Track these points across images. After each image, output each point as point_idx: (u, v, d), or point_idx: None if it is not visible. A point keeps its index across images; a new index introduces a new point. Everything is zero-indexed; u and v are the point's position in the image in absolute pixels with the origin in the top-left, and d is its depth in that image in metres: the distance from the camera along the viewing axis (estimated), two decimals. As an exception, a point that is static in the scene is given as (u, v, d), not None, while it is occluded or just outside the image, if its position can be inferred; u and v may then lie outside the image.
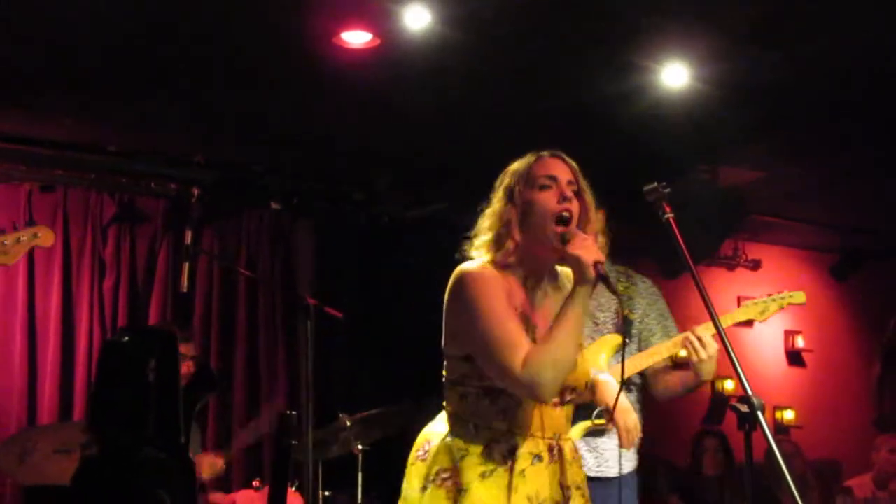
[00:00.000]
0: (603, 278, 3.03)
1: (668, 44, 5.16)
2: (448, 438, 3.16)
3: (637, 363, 4.54)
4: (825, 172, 7.20)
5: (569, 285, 3.18)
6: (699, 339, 4.42)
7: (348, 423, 5.51)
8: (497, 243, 3.20)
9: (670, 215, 3.42)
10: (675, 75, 5.39)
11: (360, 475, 5.62)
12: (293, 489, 5.47)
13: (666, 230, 3.43)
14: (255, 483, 5.82)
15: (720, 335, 3.30)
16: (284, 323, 7.09)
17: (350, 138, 6.52)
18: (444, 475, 3.12)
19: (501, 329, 3.05)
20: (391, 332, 6.94)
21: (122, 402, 3.17)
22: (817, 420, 9.04)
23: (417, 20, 4.77)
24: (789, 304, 4.92)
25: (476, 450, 3.11)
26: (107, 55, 5.32)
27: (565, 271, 3.32)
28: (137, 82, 5.66)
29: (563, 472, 3.20)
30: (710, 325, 4.58)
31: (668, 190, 3.44)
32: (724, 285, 8.91)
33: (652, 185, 3.46)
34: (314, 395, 4.78)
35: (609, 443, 4.48)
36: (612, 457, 4.49)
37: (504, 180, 3.26)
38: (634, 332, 4.67)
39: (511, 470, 3.10)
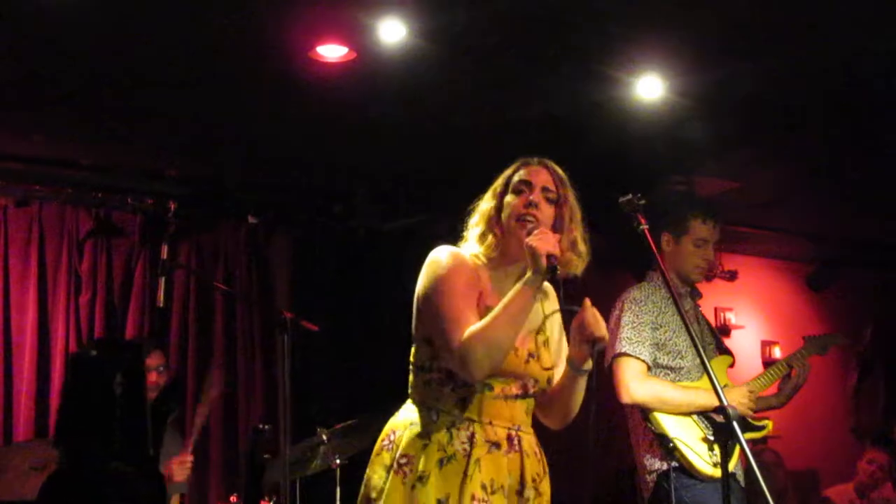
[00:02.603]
0: (552, 270, 3.11)
1: (642, 56, 5.18)
2: (412, 427, 3.23)
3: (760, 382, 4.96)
4: (800, 182, 7.23)
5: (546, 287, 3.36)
6: (804, 369, 4.71)
7: (326, 437, 5.49)
8: (481, 238, 3.35)
9: (645, 226, 3.45)
10: (649, 87, 5.41)
11: (338, 489, 5.61)
12: (271, 504, 5.45)
13: (641, 241, 3.45)
14: (233, 499, 5.80)
15: (694, 345, 3.32)
16: (262, 337, 7.07)
17: (327, 151, 6.51)
18: (403, 461, 3.19)
19: (450, 305, 3.17)
20: (369, 344, 6.93)
21: (88, 416, 3.17)
22: (795, 430, 9.03)
23: (393, 34, 4.78)
24: (840, 344, 5.40)
25: (437, 437, 3.18)
26: (80, 70, 5.31)
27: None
28: (112, 97, 5.64)
29: (521, 463, 3.25)
30: (806, 351, 4.87)
31: (642, 201, 3.47)
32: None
33: (627, 196, 3.49)
34: (292, 410, 4.77)
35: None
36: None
37: (495, 182, 3.41)
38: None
39: (468, 457, 3.16)
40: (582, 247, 3.32)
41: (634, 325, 4.70)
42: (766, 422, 4.87)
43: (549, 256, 3.11)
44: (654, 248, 3.45)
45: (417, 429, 3.22)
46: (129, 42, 5.01)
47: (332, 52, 5.08)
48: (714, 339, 4.96)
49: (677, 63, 5.24)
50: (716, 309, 8.97)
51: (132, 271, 6.84)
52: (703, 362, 3.26)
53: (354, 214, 7.23)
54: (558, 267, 3.13)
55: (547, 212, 3.29)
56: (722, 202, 7.15)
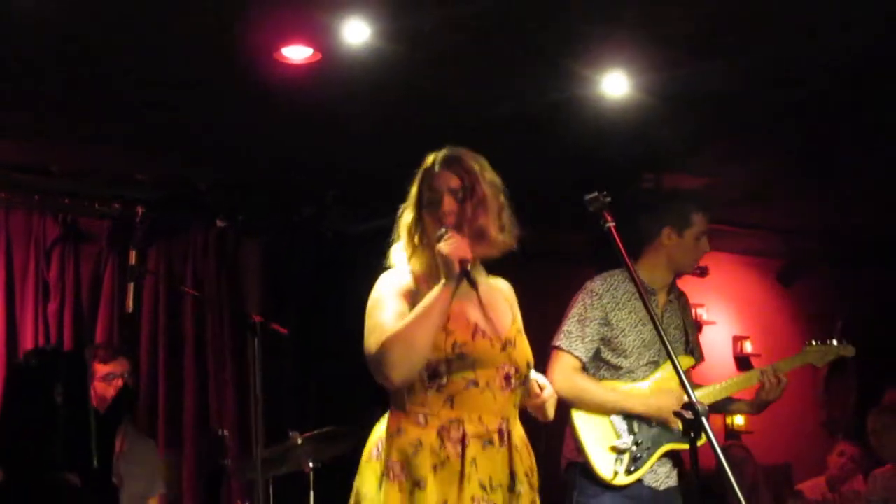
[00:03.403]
0: (466, 274, 3.13)
1: (607, 53, 5.18)
2: (400, 434, 3.21)
3: (709, 396, 4.85)
4: (769, 178, 7.25)
5: (496, 285, 3.46)
6: (777, 379, 4.72)
7: (299, 441, 5.48)
8: (407, 251, 3.37)
9: (611, 224, 3.44)
10: (615, 84, 5.41)
11: (311, 493, 5.59)
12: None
13: (608, 239, 3.45)
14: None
15: (663, 343, 3.31)
16: (232, 341, 7.04)
17: (295, 154, 6.50)
18: (397, 469, 3.16)
19: (375, 319, 3.21)
20: (340, 346, 6.90)
21: (28, 427, 3.14)
22: (767, 425, 9.04)
23: (357, 35, 4.77)
24: (842, 354, 5.31)
25: (428, 440, 3.16)
26: (45, 74, 5.28)
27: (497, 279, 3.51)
28: (77, 101, 5.61)
29: (511, 457, 3.25)
30: (787, 362, 4.88)
31: (609, 199, 3.46)
32: (672, 293, 8.94)
33: (593, 194, 3.49)
34: (264, 413, 4.76)
35: (671, 460, 4.74)
36: (673, 472, 4.79)
37: (411, 188, 3.41)
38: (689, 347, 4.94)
39: (462, 458, 3.15)
40: (492, 233, 3.32)
41: (580, 318, 4.73)
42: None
43: (462, 261, 3.13)
44: (620, 246, 3.44)
45: (407, 436, 3.20)
46: (95, 46, 4.98)
47: (297, 53, 5.07)
48: (684, 338, 4.97)
49: (643, 60, 5.24)
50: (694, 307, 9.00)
51: (101, 278, 6.79)
52: (672, 362, 3.24)
53: (324, 217, 7.22)
54: (470, 272, 3.15)
55: (456, 212, 3.30)
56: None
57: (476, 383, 3.21)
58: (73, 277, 6.71)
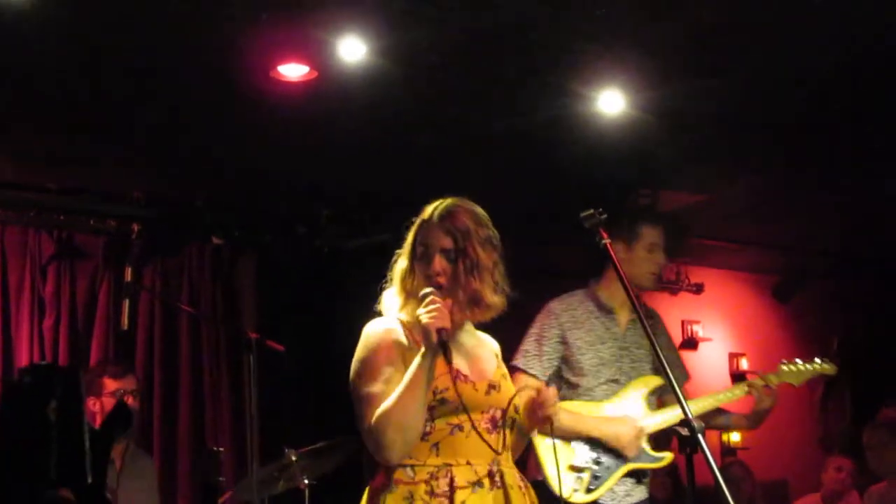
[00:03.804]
0: (443, 344, 3.10)
1: (603, 71, 5.19)
2: (391, 488, 3.19)
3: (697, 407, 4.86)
4: (764, 195, 7.26)
5: (482, 339, 3.47)
6: (767, 388, 4.72)
7: (294, 458, 5.47)
8: (399, 299, 3.36)
9: (607, 241, 3.45)
10: (611, 102, 5.42)
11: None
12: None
13: (604, 256, 3.46)
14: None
15: (658, 358, 3.32)
16: (228, 358, 7.03)
17: (290, 171, 6.50)
18: None
19: (363, 388, 3.20)
20: (335, 364, 6.90)
21: (21, 443, 3.12)
22: (763, 441, 9.07)
23: (352, 53, 4.77)
24: (821, 373, 5.37)
25: (418, 491, 3.14)
26: (41, 92, 5.28)
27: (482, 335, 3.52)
28: (73, 118, 5.61)
29: (507, 497, 3.23)
30: (779, 376, 4.87)
31: (604, 216, 3.48)
32: (668, 309, 8.93)
33: (589, 211, 3.50)
34: (259, 430, 4.76)
35: (632, 478, 4.72)
36: (635, 490, 4.81)
37: (408, 235, 3.40)
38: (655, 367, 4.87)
39: (451, 501, 3.13)
40: (488, 298, 3.31)
41: (538, 337, 4.75)
42: (665, 454, 4.85)
43: (440, 331, 3.10)
44: (616, 263, 3.46)
45: (397, 489, 3.18)
46: (92, 63, 4.98)
47: (293, 71, 5.07)
48: (655, 356, 4.95)
49: (638, 77, 5.25)
50: (683, 322, 9.00)
51: (96, 294, 6.77)
52: (669, 380, 3.24)
53: (319, 234, 7.22)
54: (448, 343, 3.11)
55: (447, 274, 3.28)
56: (687, 216, 7.18)
57: (461, 428, 3.20)
58: (69, 294, 6.70)
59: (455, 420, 3.19)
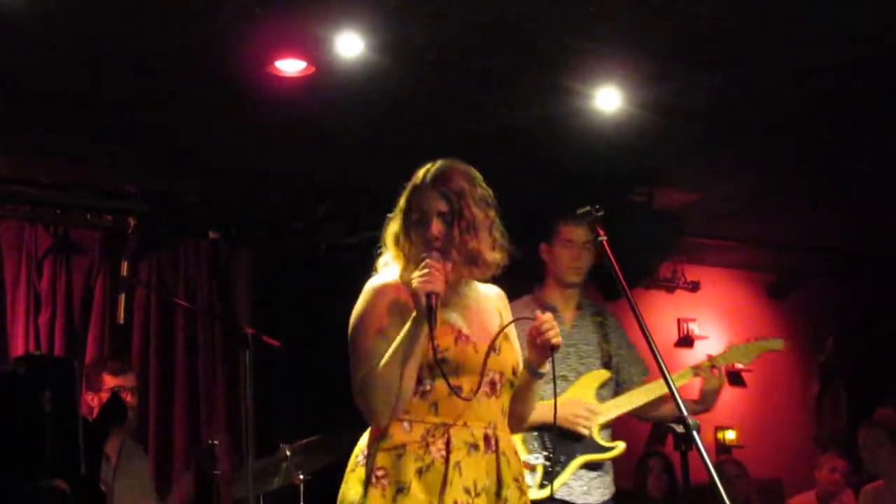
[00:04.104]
0: (430, 309, 3.10)
1: (600, 68, 5.20)
2: (386, 440, 3.20)
3: (634, 400, 4.91)
4: (760, 193, 7.27)
5: (486, 293, 3.45)
6: (713, 368, 4.72)
7: (289, 453, 5.47)
8: (399, 261, 3.35)
9: (604, 238, 3.46)
10: (607, 99, 5.42)
11: (301, 504, 5.59)
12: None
13: (601, 253, 3.46)
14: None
15: (655, 357, 3.33)
16: (223, 353, 7.03)
17: (287, 166, 6.50)
18: (380, 473, 3.17)
19: (359, 342, 3.24)
20: (331, 359, 6.89)
21: (16, 435, 3.13)
22: (759, 439, 9.09)
23: (350, 48, 4.77)
24: (769, 350, 5.23)
25: (413, 447, 3.17)
26: (38, 88, 5.28)
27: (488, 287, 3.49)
28: (70, 114, 5.61)
29: (498, 463, 3.24)
30: (725, 356, 4.88)
31: (601, 213, 3.48)
32: (664, 307, 8.96)
33: (586, 208, 3.50)
34: (254, 426, 4.76)
35: (590, 472, 4.65)
36: (592, 486, 4.67)
37: (400, 199, 3.39)
38: (613, 363, 4.89)
39: (446, 462, 3.15)
40: (486, 255, 3.32)
41: None
42: (617, 443, 4.87)
43: (429, 295, 3.10)
44: (612, 259, 3.46)
45: (392, 441, 3.19)
46: (88, 58, 4.98)
47: (290, 66, 5.07)
48: (600, 354, 4.99)
49: (635, 74, 5.26)
50: (679, 320, 9.00)
51: (92, 289, 6.78)
52: (662, 372, 3.26)
53: (316, 229, 7.22)
54: (435, 308, 3.10)
55: (442, 236, 3.28)
56: (683, 213, 7.18)
57: (460, 389, 3.20)
58: (65, 288, 6.70)
59: (455, 381, 3.19)
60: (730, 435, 9.06)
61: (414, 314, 3.14)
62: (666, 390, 4.83)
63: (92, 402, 5.71)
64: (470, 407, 3.22)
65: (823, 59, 5.12)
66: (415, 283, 3.14)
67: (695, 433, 3.10)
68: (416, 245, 3.31)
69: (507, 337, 3.40)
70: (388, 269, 3.39)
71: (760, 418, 9.29)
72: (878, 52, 5.04)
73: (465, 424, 3.21)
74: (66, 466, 3.15)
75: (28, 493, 3.11)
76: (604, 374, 4.90)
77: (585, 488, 4.77)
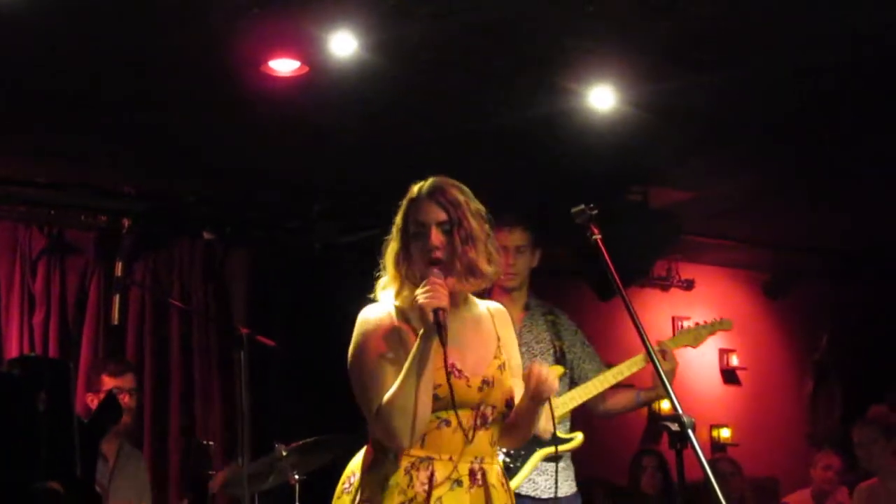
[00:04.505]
0: (438, 326, 3.10)
1: (593, 66, 5.19)
2: (372, 470, 3.21)
3: (590, 389, 4.91)
4: (756, 192, 7.27)
5: (485, 312, 3.43)
6: (663, 353, 4.71)
7: (284, 453, 5.47)
8: (393, 284, 3.33)
9: (598, 237, 3.46)
10: (601, 98, 5.42)
11: (296, 505, 5.58)
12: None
13: (595, 252, 3.46)
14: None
15: (650, 356, 3.33)
16: (219, 353, 7.03)
17: (282, 166, 6.49)
18: None
19: (365, 376, 3.20)
20: (326, 359, 6.89)
21: (10, 437, 3.12)
22: (753, 437, 9.11)
23: (344, 47, 4.76)
24: (719, 330, 5.18)
25: (396, 479, 3.15)
26: (33, 86, 5.27)
27: (489, 305, 3.50)
28: (64, 114, 5.60)
29: (487, 497, 3.22)
30: (675, 340, 4.89)
31: (595, 211, 3.48)
32: (659, 306, 8.97)
33: (580, 206, 3.50)
34: (250, 425, 4.76)
35: (554, 466, 4.67)
36: (560, 479, 4.71)
37: (396, 218, 3.37)
38: (567, 361, 4.90)
39: (428, 497, 3.13)
40: (483, 267, 3.31)
41: None
42: (575, 434, 4.88)
43: (436, 311, 3.10)
44: (607, 257, 3.46)
45: (377, 472, 3.19)
46: (83, 58, 4.97)
47: (284, 66, 5.06)
48: (552, 351, 5.01)
49: (629, 73, 5.25)
50: (673, 318, 9.01)
51: (86, 289, 6.78)
52: (658, 371, 3.28)
53: (311, 229, 7.21)
54: (443, 323, 3.11)
55: (444, 247, 3.27)
56: (678, 212, 7.19)
57: (448, 423, 3.19)
58: (59, 289, 6.70)
59: (444, 415, 3.18)
60: (724, 433, 9.07)
61: (422, 331, 3.13)
62: (622, 376, 4.92)
63: (91, 403, 5.72)
64: (456, 441, 3.21)
65: (819, 58, 5.11)
66: (420, 299, 3.13)
67: (690, 431, 3.10)
68: (416, 261, 3.29)
69: (503, 367, 3.37)
70: (382, 295, 3.37)
71: (755, 416, 9.31)
72: (877, 50, 5.04)
73: (450, 459, 3.19)
74: (60, 468, 3.14)
75: (22, 495, 3.11)
76: (557, 370, 4.91)
77: (551, 482, 4.78)
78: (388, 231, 3.43)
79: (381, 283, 3.39)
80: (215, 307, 7.15)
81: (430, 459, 3.17)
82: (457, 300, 3.32)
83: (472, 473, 3.21)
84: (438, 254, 3.24)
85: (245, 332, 4.93)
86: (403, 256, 3.32)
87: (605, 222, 3.54)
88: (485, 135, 5.79)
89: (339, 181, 6.72)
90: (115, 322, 6.65)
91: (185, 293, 7.06)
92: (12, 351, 6.47)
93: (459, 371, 3.24)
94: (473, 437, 3.23)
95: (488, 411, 3.27)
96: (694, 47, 5.01)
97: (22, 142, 6.00)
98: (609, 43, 4.97)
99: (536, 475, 4.77)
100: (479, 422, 3.24)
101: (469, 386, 3.23)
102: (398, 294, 3.33)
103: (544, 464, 4.79)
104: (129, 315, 6.81)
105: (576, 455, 5.04)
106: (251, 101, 5.42)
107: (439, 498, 3.14)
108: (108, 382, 5.72)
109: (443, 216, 3.28)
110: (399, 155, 6.19)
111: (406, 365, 3.12)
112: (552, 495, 4.76)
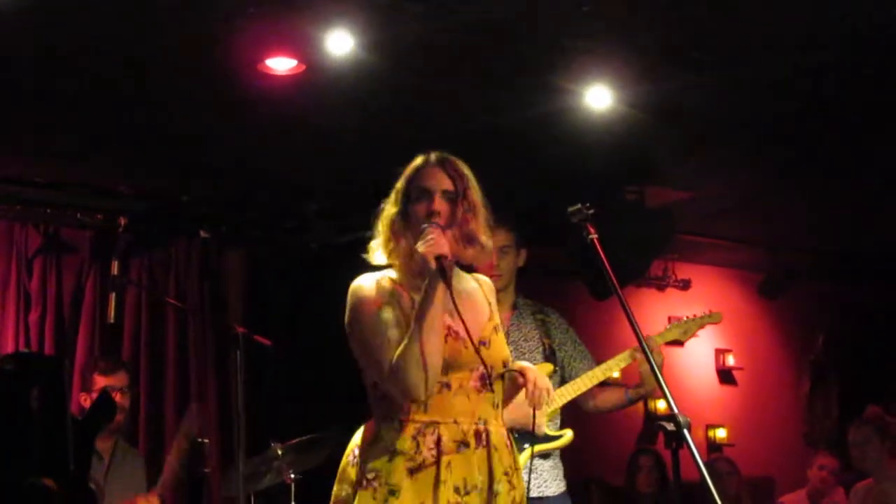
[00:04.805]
0: (442, 271, 3.12)
1: (590, 66, 5.19)
2: (376, 441, 3.21)
3: (579, 385, 4.91)
4: (752, 191, 7.27)
5: (474, 283, 3.46)
6: (651, 349, 4.68)
7: (280, 452, 5.47)
8: (386, 245, 3.35)
9: (594, 236, 3.46)
10: (598, 97, 5.42)
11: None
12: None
13: (592, 252, 3.46)
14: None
15: (646, 355, 3.33)
16: (215, 352, 7.02)
17: (278, 165, 6.49)
18: (371, 476, 3.17)
19: (370, 337, 3.21)
20: (323, 358, 6.90)
21: (4, 433, 3.12)
22: (749, 437, 9.11)
23: (340, 46, 4.76)
24: (708, 323, 5.19)
25: (403, 447, 3.16)
26: (30, 85, 5.27)
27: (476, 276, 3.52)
28: (60, 113, 5.60)
29: (490, 458, 3.24)
30: (663, 335, 4.89)
31: (591, 211, 3.48)
32: (655, 305, 8.96)
33: (576, 206, 3.51)
34: (246, 424, 4.75)
35: (545, 464, 4.67)
36: (549, 477, 4.69)
37: (397, 184, 3.40)
38: (557, 359, 4.91)
39: (437, 462, 3.14)
40: (482, 238, 3.34)
41: None
42: (565, 431, 4.88)
43: (438, 258, 3.13)
44: (603, 257, 3.46)
45: (382, 442, 3.20)
46: (78, 57, 4.97)
47: (280, 64, 5.06)
48: (541, 349, 5.01)
49: (626, 73, 5.25)
50: (669, 318, 8.94)
51: (83, 288, 6.77)
52: (654, 371, 3.28)
53: (307, 229, 7.21)
54: (447, 269, 3.14)
55: (446, 211, 3.31)
56: (675, 212, 7.19)
57: (448, 386, 3.21)
58: (55, 287, 6.69)
59: (443, 378, 3.20)
60: (721, 433, 9.08)
61: (426, 281, 3.15)
62: (610, 372, 4.93)
63: (85, 402, 5.71)
64: (459, 403, 3.22)
65: (816, 58, 5.11)
66: (421, 248, 3.16)
67: (686, 431, 3.10)
68: (413, 224, 3.29)
69: (497, 328, 3.41)
70: (374, 257, 3.38)
71: (751, 416, 9.31)
72: (874, 50, 5.04)
73: (454, 421, 3.21)
74: (54, 464, 3.13)
75: (16, 491, 3.10)
76: (547, 367, 4.91)
77: (539, 481, 4.78)
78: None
79: (372, 244, 3.41)
80: (211, 306, 7.14)
81: (435, 424, 3.19)
82: (449, 273, 3.32)
83: (477, 434, 3.23)
84: (439, 220, 3.26)
85: (241, 332, 4.93)
86: (401, 219, 3.34)
87: (601, 222, 3.54)
88: (480, 134, 5.78)
89: (336, 181, 6.72)
90: (111, 321, 6.65)
91: (181, 292, 7.05)
92: (8, 348, 6.46)
93: (456, 333, 3.26)
94: (475, 398, 3.25)
95: (486, 372, 3.28)
96: (690, 47, 5.01)
97: (18, 141, 5.99)
98: (606, 43, 4.97)
99: (524, 473, 4.77)
100: (478, 383, 3.27)
101: (465, 347, 3.25)
102: (391, 255, 3.34)
103: (535, 461, 4.78)
104: (125, 314, 6.81)
105: (573, 455, 5.04)
106: (248, 100, 5.42)
107: (449, 462, 3.16)
108: (100, 381, 5.71)
109: (449, 185, 3.32)
110: (395, 154, 6.18)
111: (414, 315, 3.15)
112: (539, 494, 4.75)
